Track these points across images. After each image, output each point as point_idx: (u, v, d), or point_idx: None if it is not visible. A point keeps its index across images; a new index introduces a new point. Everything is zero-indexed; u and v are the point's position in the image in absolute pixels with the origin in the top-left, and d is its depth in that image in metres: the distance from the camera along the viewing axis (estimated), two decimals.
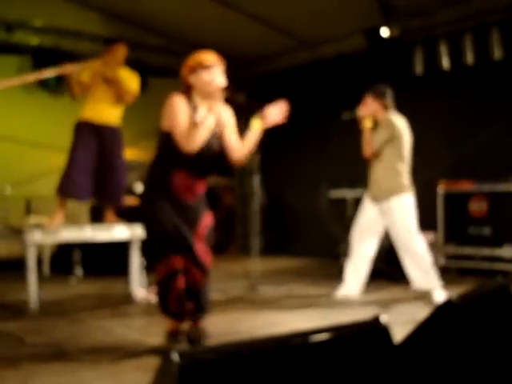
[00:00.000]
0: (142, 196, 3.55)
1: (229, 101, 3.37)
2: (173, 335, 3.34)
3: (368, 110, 4.96)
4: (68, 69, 4.93)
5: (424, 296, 4.87)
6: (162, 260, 3.24)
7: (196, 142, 3.13)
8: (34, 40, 7.22)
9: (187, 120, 3.18)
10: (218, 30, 7.84)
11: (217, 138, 3.33)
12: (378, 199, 4.96)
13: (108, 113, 5.12)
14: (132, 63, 8.26)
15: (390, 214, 4.90)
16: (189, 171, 3.23)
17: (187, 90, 3.29)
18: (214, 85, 3.22)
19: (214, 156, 3.30)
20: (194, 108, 3.24)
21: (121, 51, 5.13)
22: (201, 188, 3.35)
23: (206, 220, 3.39)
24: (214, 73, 3.24)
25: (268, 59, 9.13)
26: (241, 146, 3.38)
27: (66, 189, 4.95)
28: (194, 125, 3.16)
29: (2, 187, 6.68)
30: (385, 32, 7.04)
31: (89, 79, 5.04)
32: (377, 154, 4.92)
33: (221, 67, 3.29)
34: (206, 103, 3.22)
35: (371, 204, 5.03)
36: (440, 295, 4.74)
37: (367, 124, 4.94)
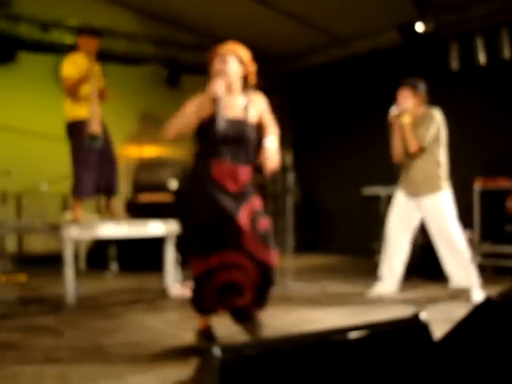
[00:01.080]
0: (186, 189, 3.43)
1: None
2: (205, 334, 3.32)
3: (408, 104, 4.83)
4: (93, 67, 4.95)
5: (461, 295, 4.81)
6: (199, 257, 3.17)
7: (169, 129, 3.24)
8: (69, 39, 7.31)
9: (187, 112, 3.22)
10: (251, 26, 7.85)
11: (244, 124, 3.26)
12: (419, 194, 4.85)
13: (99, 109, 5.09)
14: (165, 60, 8.37)
15: (434, 209, 4.80)
16: (224, 158, 3.20)
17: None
18: (220, 71, 3.23)
19: (241, 142, 3.24)
20: (213, 99, 3.20)
21: (96, 43, 5.11)
22: (244, 176, 3.27)
23: (251, 205, 3.28)
24: (224, 61, 3.24)
25: (301, 56, 9.11)
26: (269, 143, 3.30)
27: (80, 190, 5.01)
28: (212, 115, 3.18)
29: (38, 184, 6.80)
30: (419, 27, 6.95)
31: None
32: (424, 149, 4.79)
33: (234, 55, 3.27)
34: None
35: (406, 199, 4.95)
36: (478, 294, 4.67)
37: (406, 119, 4.78)
